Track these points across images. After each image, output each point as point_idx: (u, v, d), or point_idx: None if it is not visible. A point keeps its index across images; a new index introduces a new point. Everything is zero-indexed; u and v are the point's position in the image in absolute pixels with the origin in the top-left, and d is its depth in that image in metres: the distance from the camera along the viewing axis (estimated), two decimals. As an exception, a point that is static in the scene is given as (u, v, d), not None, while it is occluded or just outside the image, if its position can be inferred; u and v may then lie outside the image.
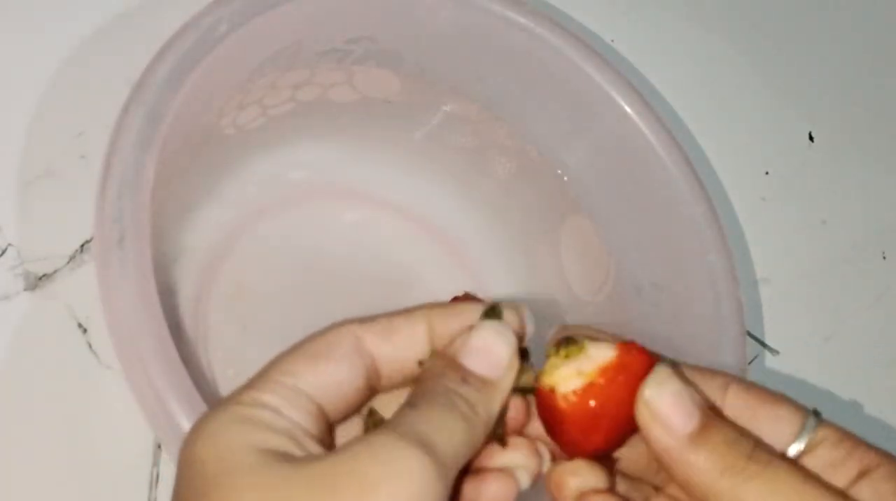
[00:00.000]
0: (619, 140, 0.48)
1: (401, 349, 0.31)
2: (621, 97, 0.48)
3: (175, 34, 0.40)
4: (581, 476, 0.32)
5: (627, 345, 0.31)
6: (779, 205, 0.59)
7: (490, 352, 0.31)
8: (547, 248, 0.52)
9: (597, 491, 0.32)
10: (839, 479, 0.30)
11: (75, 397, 0.42)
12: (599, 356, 0.31)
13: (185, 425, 0.35)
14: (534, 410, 0.32)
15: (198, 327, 0.46)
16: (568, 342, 0.31)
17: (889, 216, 0.62)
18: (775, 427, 0.31)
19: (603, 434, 0.31)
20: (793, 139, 0.62)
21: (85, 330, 0.43)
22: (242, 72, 0.44)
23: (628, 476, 0.34)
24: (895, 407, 0.57)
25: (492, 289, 0.52)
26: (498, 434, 0.31)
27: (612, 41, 0.59)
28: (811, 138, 0.62)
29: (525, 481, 0.32)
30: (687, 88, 0.59)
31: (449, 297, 0.51)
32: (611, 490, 0.32)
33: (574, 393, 0.31)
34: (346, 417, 0.31)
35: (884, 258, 0.60)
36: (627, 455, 0.33)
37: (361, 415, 0.33)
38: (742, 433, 0.30)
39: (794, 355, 0.56)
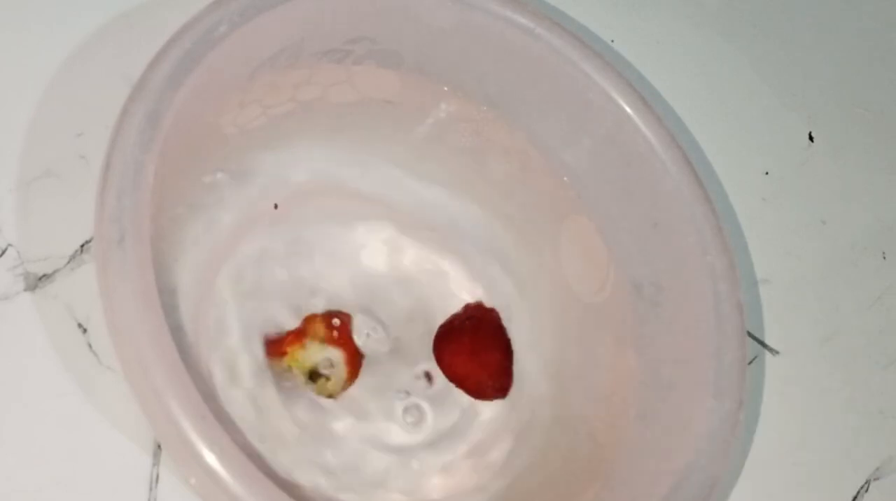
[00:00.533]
0: (619, 140, 0.48)
1: None
2: (621, 97, 0.48)
3: (175, 34, 0.40)
4: None
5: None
6: (779, 205, 0.59)
7: None
8: (547, 248, 0.52)
9: None
10: None
11: (75, 397, 0.42)
12: None
13: (186, 425, 0.35)
14: None
15: (198, 327, 0.46)
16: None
17: (889, 216, 0.62)
18: None
19: None
20: (793, 139, 0.62)
21: (85, 331, 0.43)
22: (242, 72, 0.44)
23: None
24: (895, 407, 0.57)
25: (492, 290, 0.52)
26: None
27: (612, 41, 0.59)
28: (811, 138, 0.62)
29: None
30: (687, 88, 0.59)
31: (449, 297, 0.52)
32: None
33: None
34: None
35: (884, 258, 0.60)
36: None
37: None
38: None
39: (794, 355, 0.56)
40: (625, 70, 0.49)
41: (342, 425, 0.47)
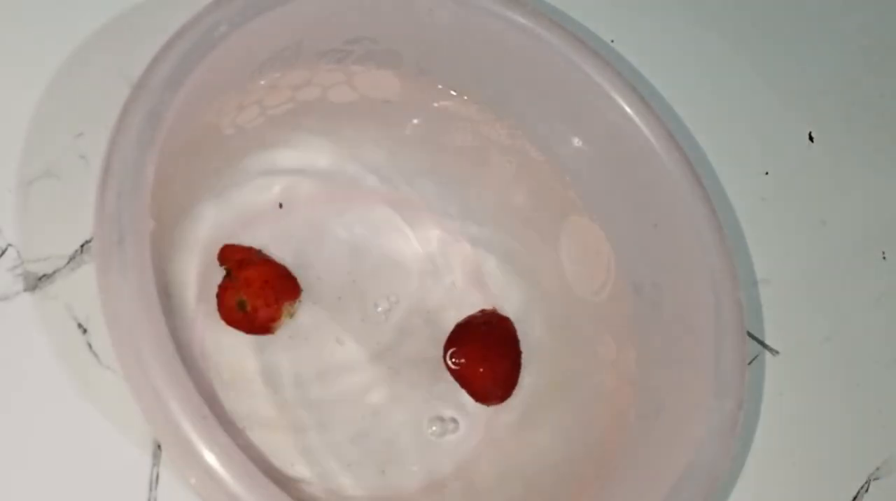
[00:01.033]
0: (620, 140, 0.48)
1: None
2: (621, 97, 0.48)
3: (175, 34, 0.40)
4: None
5: None
6: (779, 205, 0.59)
7: None
8: (547, 248, 0.52)
9: None
10: None
11: (75, 397, 0.42)
12: None
13: (186, 425, 0.35)
14: None
15: (198, 328, 0.46)
16: None
17: (889, 216, 0.62)
18: None
19: None
20: (793, 139, 0.62)
21: (85, 331, 0.43)
22: (242, 72, 0.44)
23: None
24: (895, 406, 0.57)
25: (491, 290, 0.52)
26: None
27: (612, 41, 0.59)
28: (811, 138, 0.62)
29: None
30: (687, 88, 0.59)
31: (449, 298, 0.52)
32: None
33: None
34: None
35: (884, 258, 0.60)
36: None
37: None
38: None
39: (794, 355, 0.56)
40: (625, 70, 0.49)
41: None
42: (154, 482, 0.42)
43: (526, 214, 0.52)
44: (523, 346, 0.51)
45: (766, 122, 0.62)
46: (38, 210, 0.44)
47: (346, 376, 0.48)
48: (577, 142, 0.50)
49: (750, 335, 0.54)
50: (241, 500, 0.35)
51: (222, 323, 0.46)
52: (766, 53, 0.64)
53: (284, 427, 0.46)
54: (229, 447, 0.36)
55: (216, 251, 0.47)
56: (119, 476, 0.42)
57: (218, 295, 0.46)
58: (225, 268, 0.46)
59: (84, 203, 0.41)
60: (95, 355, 0.43)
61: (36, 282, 0.43)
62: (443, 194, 0.53)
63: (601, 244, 0.50)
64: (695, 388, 0.45)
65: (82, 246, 0.44)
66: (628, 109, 0.47)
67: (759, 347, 0.55)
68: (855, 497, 0.54)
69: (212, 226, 0.47)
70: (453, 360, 0.49)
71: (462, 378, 0.49)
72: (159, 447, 0.42)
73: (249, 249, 0.47)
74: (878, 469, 0.55)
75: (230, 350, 0.46)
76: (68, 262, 0.44)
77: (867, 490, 0.54)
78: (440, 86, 0.50)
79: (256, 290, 0.46)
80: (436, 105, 0.51)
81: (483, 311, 0.51)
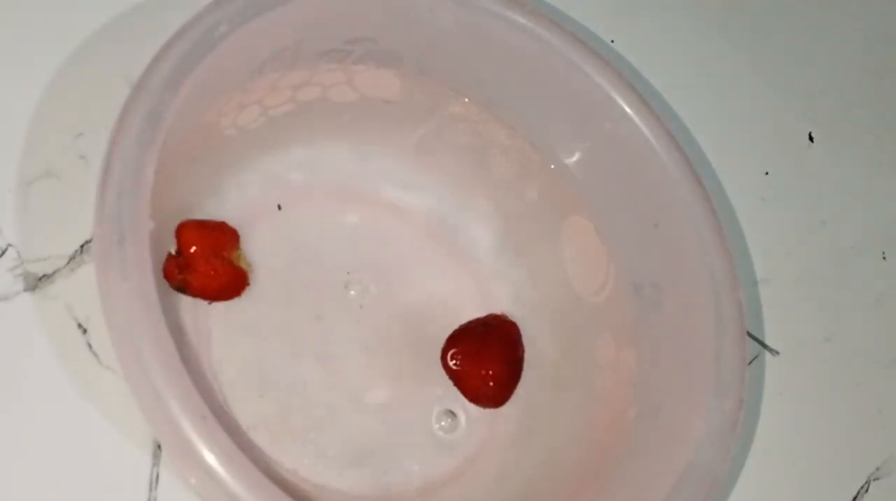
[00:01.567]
0: (619, 140, 0.48)
1: None
2: (621, 97, 0.48)
3: (175, 34, 0.40)
4: None
5: None
6: (779, 205, 0.59)
7: None
8: (547, 248, 0.52)
9: None
10: None
11: (75, 397, 0.42)
12: None
13: (185, 425, 0.35)
14: None
15: (198, 327, 0.46)
16: None
17: (889, 216, 0.62)
18: None
19: None
20: (793, 139, 0.62)
21: (85, 331, 0.43)
22: (242, 72, 0.44)
23: None
24: (895, 406, 0.57)
25: (491, 290, 0.52)
26: None
27: (612, 41, 0.59)
28: (811, 138, 0.62)
29: None
30: (687, 88, 0.59)
31: (449, 298, 0.52)
32: None
33: None
34: None
35: (884, 258, 0.60)
36: None
37: None
38: None
39: (794, 355, 0.56)
40: (625, 70, 0.49)
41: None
42: (154, 482, 0.42)
43: (526, 214, 0.52)
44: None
45: (766, 122, 0.62)
46: (38, 210, 0.44)
47: (347, 376, 0.48)
48: (576, 142, 0.50)
49: (750, 335, 0.54)
50: (241, 500, 0.35)
51: (223, 322, 0.46)
52: (766, 53, 0.64)
53: (285, 426, 0.46)
54: (229, 447, 0.36)
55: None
56: (119, 476, 0.42)
57: (164, 267, 0.45)
58: (176, 251, 0.45)
59: (84, 203, 0.41)
60: (95, 355, 0.43)
61: (36, 282, 0.43)
62: (442, 194, 0.53)
63: (601, 244, 0.50)
64: (695, 388, 0.45)
65: (82, 246, 0.44)
66: (628, 109, 0.47)
67: (759, 347, 0.55)
68: (855, 497, 0.54)
69: (212, 226, 0.47)
70: (452, 361, 0.49)
71: (458, 379, 0.49)
72: (159, 447, 0.42)
73: (212, 234, 0.46)
74: (878, 469, 0.55)
75: (231, 349, 0.46)
76: (68, 262, 0.44)
77: (867, 490, 0.54)
78: (440, 86, 0.50)
79: (197, 290, 0.45)
80: (436, 105, 0.51)
81: (489, 315, 0.51)
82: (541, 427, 0.49)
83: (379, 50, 0.47)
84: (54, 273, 0.44)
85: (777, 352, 0.55)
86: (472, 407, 0.50)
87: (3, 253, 0.43)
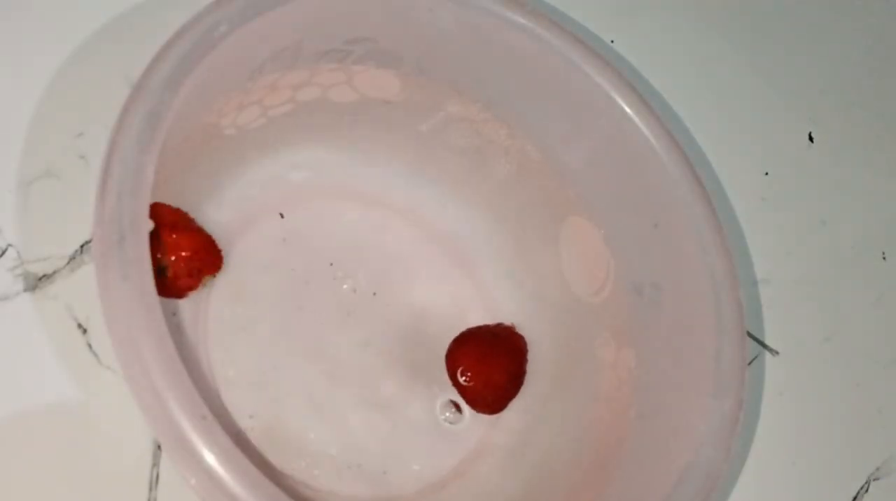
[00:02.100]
0: (619, 140, 0.48)
1: None
2: (621, 97, 0.48)
3: (175, 34, 0.40)
4: None
5: None
6: (779, 205, 0.59)
7: None
8: (547, 248, 0.52)
9: None
10: None
11: (75, 397, 0.42)
12: None
13: (185, 425, 0.35)
14: None
15: (198, 327, 0.46)
16: None
17: (889, 216, 0.62)
18: None
19: None
20: (793, 139, 0.62)
21: (85, 331, 0.43)
22: (242, 72, 0.44)
23: None
24: (895, 406, 0.57)
25: (491, 290, 0.52)
26: None
27: (612, 41, 0.59)
28: (811, 138, 0.62)
29: None
30: (687, 88, 0.59)
31: (449, 298, 0.52)
32: None
33: None
34: None
35: (884, 258, 0.60)
36: None
37: None
38: None
39: (794, 355, 0.56)
40: (625, 70, 0.49)
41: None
42: (154, 482, 0.42)
43: (526, 214, 0.52)
44: (523, 346, 0.51)
45: (766, 122, 0.62)
46: (38, 210, 0.44)
47: (347, 376, 0.49)
48: (576, 142, 0.50)
49: (750, 335, 0.54)
50: (241, 500, 0.35)
51: (222, 322, 0.46)
52: (766, 53, 0.64)
53: (285, 426, 0.46)
54: (229, 447, 0.36)
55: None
56: (119, 476, 0.42)
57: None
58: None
59: (84, 203, 0.41)
60: (95, 355, 0.43)
61: (36, 282, 0.43)
62: (442, 194, 0.53)
63: (601, 244, 0.50)
64: (694, 388, 0.45)
65: (82, 246, 0.44)
66: (628, 109, 0.47)
67: (759, 347, 0.55)
68: (855, 497, 0.54)
69: (212, 226, 0.47)
70: (455, 364, 0.49)
71: (457, 382, 0.49)
72: (159, 447, 0.42)
73: (179, 212, 0.45)
74: (878, 469, 0.55)
75: (231, 349, 0.47)
76: (68, 262, 0.44)
77: (867, 490, 0.54)
78: (440, 86, 0.50)
79: (181, 260, 0.44)
80: (436, 105, 0.51)
81: (501, 325, 0.51)
82: (541, 427, 0.49)
83: (379, 50, 0.47)
84: (54, 273, 0.44)
85: (777, 352, 0.55)
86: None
87: (3, 253, 0.43)
